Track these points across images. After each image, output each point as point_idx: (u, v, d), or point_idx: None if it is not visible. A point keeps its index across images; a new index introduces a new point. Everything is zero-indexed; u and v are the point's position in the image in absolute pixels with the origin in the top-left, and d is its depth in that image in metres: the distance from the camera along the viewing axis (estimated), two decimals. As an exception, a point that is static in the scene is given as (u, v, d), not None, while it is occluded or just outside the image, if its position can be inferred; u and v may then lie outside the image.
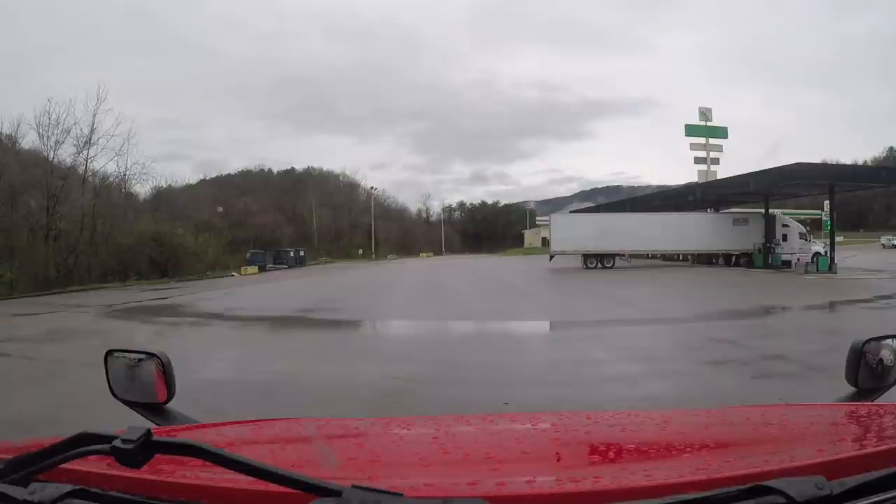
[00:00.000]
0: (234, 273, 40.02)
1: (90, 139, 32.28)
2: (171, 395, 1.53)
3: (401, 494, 0.73)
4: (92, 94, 33.53)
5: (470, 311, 14.83)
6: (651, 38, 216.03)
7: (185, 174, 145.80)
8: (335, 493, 0.70)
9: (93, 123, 32.09)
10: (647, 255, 38.96)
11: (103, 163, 35.12)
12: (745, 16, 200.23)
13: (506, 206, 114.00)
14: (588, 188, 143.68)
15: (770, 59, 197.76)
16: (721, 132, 44.87)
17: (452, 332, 12.19)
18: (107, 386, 1.57)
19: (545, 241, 46.13)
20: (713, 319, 12.05)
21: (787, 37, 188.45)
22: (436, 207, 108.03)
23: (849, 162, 59.74)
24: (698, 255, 34.95)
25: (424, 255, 77.02)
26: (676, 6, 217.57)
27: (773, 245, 31.06)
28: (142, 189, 42.88)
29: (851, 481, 0.74)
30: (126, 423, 0.85)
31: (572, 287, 22.84)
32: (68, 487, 0.77)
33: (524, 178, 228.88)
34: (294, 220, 74.17)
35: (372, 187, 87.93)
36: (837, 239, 30.81)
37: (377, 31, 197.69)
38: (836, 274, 24.93)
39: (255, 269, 43.46)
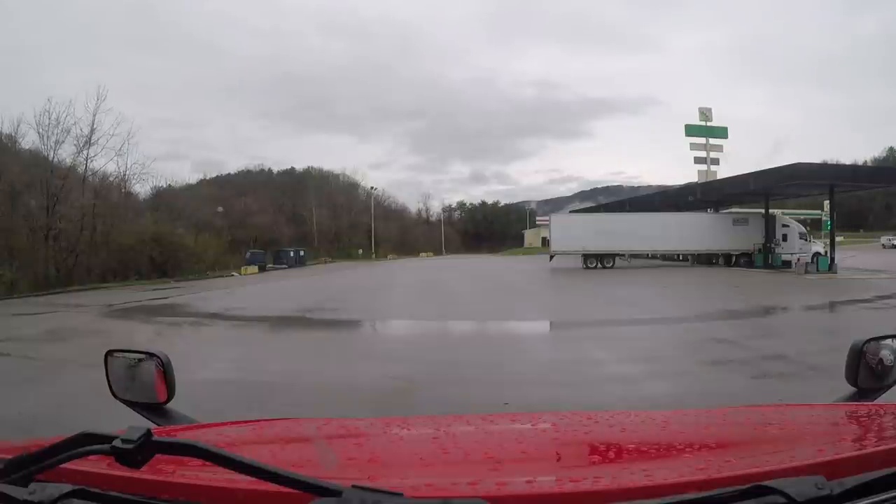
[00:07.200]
0: (234, 273, 39.99)
1: (90, 139, 32.26)
2: (171, 395, 1.53)
3: (401, 494, 0.73)
4: (92, 93, 33.52)
5: (470, 311, 14.84)
6: (654, 36, 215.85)
7: (185, 174, 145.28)
8: (335, 493, 0.70)
9: (93, 123, 32.06)
10: (647, 255, 38.96)
11: (103, 163, 34.82)
12: (748, 14, 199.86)
13: (506, 205, 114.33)
14: (588, 188, 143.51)
15: (772, 58, 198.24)
16: (721, 132, 44.77)
17: (453, 332, 12.19)
18: (107, 386, 1.57)
19: (545, 241, 46.12)
20: (713, 319, 12.05)
21: (790, 36, 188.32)
22: (436, 207, 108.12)
23: (849, 162, 59.71)
24: (698, 255, 34.94)
25: (424, 254, 76.96)
26: (679, 5, 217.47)
27: (773, 245, 31.07)
28: (142, 189, 42.75)
29: (851, 481, 0.74)
30: (126, 423, 0.85)
31: (572, 287, 22.84)
32: (68, 487, 0.77)
33: (524, 177, 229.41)
34: (294, 220, 74.11)
35: (372, 187, 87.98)
36: (837, 239, 30.83)
37: (375, 30, 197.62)
38: (836, 274, 24.94)
39: (254, 268, 43.39)
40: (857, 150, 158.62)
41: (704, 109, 44.45)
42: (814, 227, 36.38)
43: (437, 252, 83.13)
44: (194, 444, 0.74)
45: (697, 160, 44.21)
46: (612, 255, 32.95)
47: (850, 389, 1.50)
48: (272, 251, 52.64)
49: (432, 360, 8.32)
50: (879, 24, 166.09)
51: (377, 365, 7.92)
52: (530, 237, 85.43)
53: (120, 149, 33.46)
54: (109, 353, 1.60)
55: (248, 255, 47.21)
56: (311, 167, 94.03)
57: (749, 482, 0.73)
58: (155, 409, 1.53)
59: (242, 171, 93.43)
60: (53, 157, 31.38)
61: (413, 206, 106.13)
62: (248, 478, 0.73)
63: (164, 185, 50.81)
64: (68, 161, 32.18)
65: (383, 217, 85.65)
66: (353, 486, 0.71)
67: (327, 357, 8.97)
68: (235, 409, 5.08)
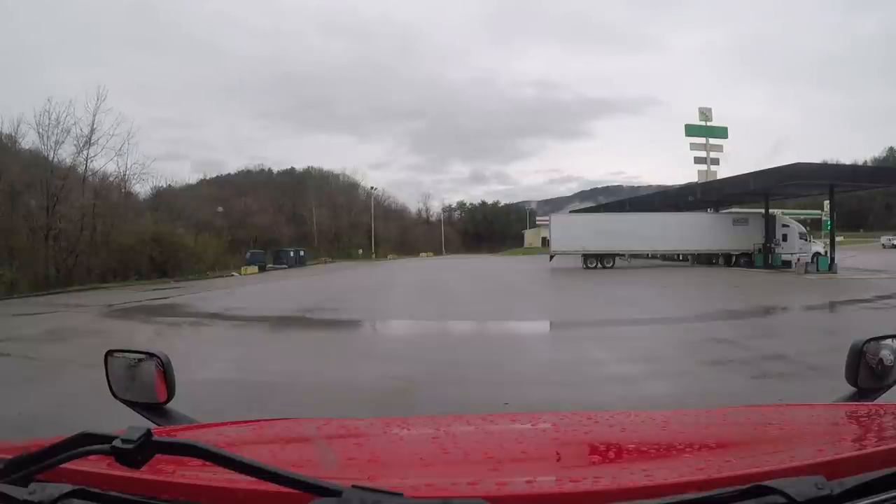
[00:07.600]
0: (234, 273, 39.99)
1: (90, 139, 32.25)
2: (171, 395, 1.53)
3: (401, 494, 0.73)
4: (92, 93, 33.55)
5: (470, 311, 14.84)
6: (654, 36, 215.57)
7: (185, 174, 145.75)
8: (335, 493, 0.70)
9: (93, 123, 32.04)
10: (647, 255, 38.96)
11: (103, 163, 34.82)
12: (748, 14, 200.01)
13: (506, 205, 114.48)
14: (588, 188, 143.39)
15: (772, 58, 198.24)
16: (721, 132, 44.77)
17: (453, 332, 12.18)
18: (107, 386, 1.57)
19: (545, 241, 46.12)
20: (713, 319, 12.04)
21: (790, 36, 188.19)
22: (436, 207, 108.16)
23: (849, 162, 59.70)
24: (698, 255, 34.95)
25: (424, 254, 76.97)
26: (679, 5, 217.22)
27: (773, 245, 31.08)
28: (142, 189, 42.75)
29: (851, 481, 0.74)
30: (126, 423, 0.85)
31: (572, 287, 22.84)
32: (68, 487, 0.77)
33: (524, 177, 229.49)
34: (294, 220, 74.13)
35: (372, 187, 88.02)
36: (837, 239, 30.84)
37: (375, 30, 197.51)
38: (836, 274, 24.94)
39: (254, 268, 43.42)
40: (857, 150, 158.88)
41: (704, 109, 44.45)
42: (814, 227, 36.40)
43: (437, 252, 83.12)
44: (194, 444, 0.74)
45: (697, 160, 44.22)
46: (612, 255, 32.95)
47: (850, 389, 1.50)
48: (272, 251, 52.66)
49: (432, 360, 8.32)
50: (879, 24, 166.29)
51: (377, 365, 7.92)
52: (530, 237, 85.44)
53: (120, 149, 33.51)
54: (109, 353, 1.60)
55: (248, 255, 47.23)
56: (311, 167, 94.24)
57: (749, 482, 0.73)
58: (155, 409, 1.53)
59: (242, 171, 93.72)
60: (53, 157, 31.43)
61: (413, 206, 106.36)
62: (248, 478, 0.73)
63: (164, 185, 50.86)
64: (68, 161, 32.23)
65: (383, 217, 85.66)
66: (353, 486, 0.71)
67: (327, 357, 8.97)
68: (235, 409, 5.08)
